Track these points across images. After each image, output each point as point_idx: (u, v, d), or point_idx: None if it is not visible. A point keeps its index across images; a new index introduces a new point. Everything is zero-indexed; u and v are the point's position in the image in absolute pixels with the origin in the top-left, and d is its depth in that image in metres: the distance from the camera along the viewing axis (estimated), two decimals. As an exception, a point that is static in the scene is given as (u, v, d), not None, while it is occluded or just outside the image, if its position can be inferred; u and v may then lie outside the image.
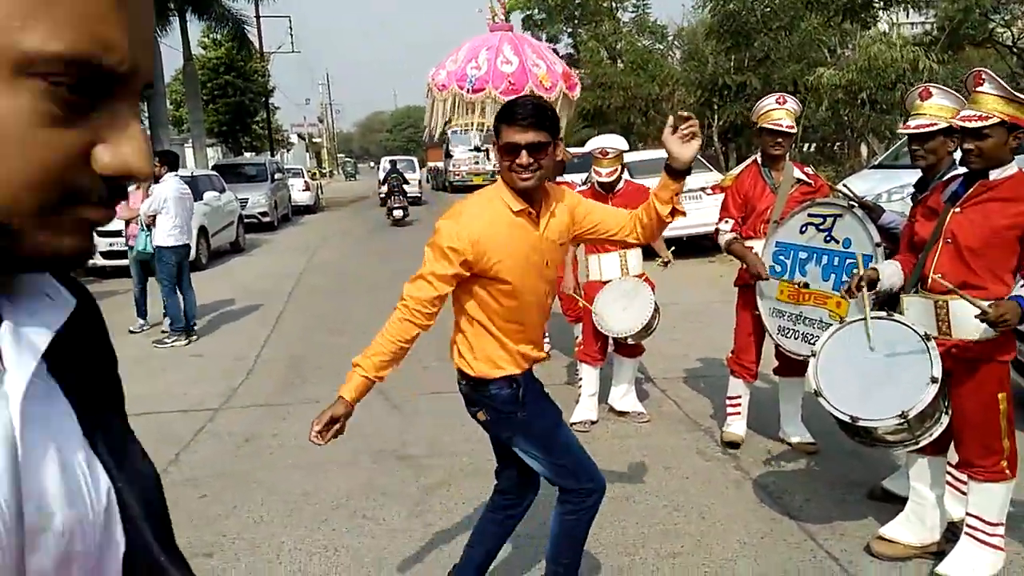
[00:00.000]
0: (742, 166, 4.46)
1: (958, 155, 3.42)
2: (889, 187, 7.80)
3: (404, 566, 3.36)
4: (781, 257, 4.10)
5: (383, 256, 13.57)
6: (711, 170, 13.50)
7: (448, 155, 33.92)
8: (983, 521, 3.03)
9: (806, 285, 3.86)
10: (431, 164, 42.92)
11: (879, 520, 3.62)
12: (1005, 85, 2.81)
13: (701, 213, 9.25)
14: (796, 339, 3.96)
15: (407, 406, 5.49)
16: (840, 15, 16.19)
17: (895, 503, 3.77)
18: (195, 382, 6.28)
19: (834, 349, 3.08)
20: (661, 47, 23.08)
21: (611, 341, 4.95)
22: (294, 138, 50.39)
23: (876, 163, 11.60)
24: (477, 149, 33.64)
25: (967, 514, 3.08)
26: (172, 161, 7.91)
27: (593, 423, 4.95)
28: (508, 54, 6.35)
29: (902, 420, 2.84)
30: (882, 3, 16.82)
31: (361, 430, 5.03)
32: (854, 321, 3.09)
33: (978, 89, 2.85)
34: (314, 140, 65.82)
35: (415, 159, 31.67)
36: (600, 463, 4.34)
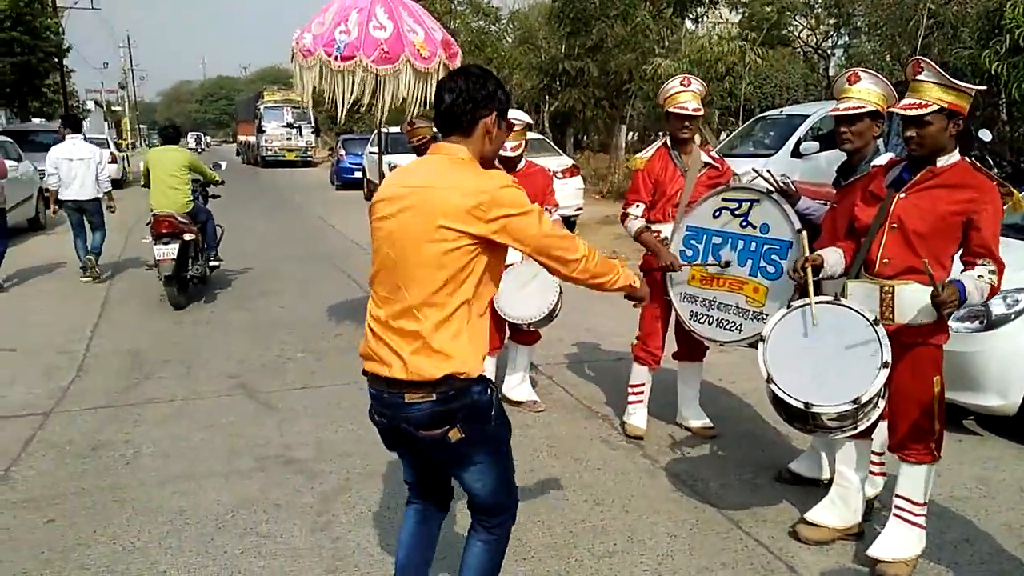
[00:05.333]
0: (651, 149, 4.33)
1: (881, 142, 3.50)
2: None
3: (318, 591, 2.94)
4: (692, 241, 4.03)
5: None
6: (560, 154, 13.62)
7: (260, 130, 32.28)
8: (911, 502, 3.09)
9: (727, 264, 3.80)
10: (242, 138, 40.50)
11: (793, 503, 3.65)
12: (943, 72, 2.82)
13: (560, 196, 9.26)
14: (711, 324, 3.89)
15: (280, 404, 4.95)
16: (671, 8, 16.84)
17: (802, 485, 3.83)
18: (11, 382, 5.34)
19: (782, 334, 3.01)
20: (496, 29, 23.03)
21: (507, 328, 4.70)
22: (90, 104, 45.60)
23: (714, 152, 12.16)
24: (290, 126, 32.13)
25: (896, 495, 3.12)
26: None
27: (490, 415, 4.69)
28: (381, 18, 5.82)
29: (854, 406, 2.82)
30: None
31: (235, 433, 4.48)
32: (801, 305, 3.03)
33: (918, 77, 2.86)
34: (113, 108, 60.01)
35: (201, 133, 55.21)
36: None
